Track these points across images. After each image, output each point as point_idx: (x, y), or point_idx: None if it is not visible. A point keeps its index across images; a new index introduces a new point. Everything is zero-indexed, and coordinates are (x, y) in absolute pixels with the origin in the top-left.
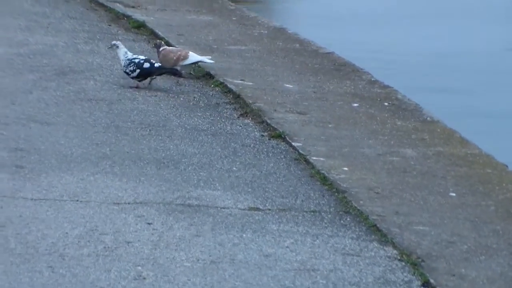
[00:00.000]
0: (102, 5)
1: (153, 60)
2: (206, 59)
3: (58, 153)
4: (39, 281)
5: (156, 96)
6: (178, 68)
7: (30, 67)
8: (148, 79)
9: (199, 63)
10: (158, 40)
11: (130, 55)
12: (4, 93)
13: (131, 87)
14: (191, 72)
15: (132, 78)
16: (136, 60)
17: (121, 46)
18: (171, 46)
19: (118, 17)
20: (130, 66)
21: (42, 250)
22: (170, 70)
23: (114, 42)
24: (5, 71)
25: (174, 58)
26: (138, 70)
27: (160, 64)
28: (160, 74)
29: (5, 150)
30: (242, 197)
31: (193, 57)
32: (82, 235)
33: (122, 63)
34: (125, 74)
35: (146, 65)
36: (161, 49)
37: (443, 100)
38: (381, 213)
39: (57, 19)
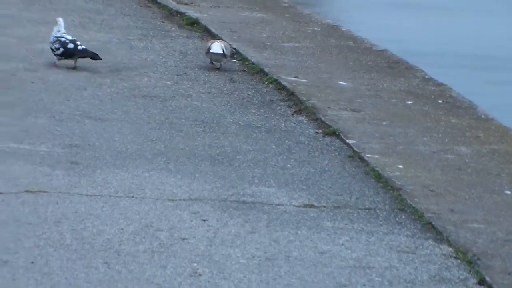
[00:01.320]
0: (155, 2)
1: (79, 42)
2: (216, 49)
3: (113, 149)
4: (95, 277)
5: (210, 93)
6: (207, 56)
7: (84, 64)
8: (73, 60)
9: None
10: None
11: (59, 33)
12: (59, 89)
13: (54, 64)
14: (245, 69)
15: (56, 56)
16: (62, 39)
17: (59, 23)
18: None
19: (171, 14)
20: (56, 44)
21: (97, 246)
22: (91, 54)
23: (57, 18)
24: (60, 68)
25: (206, 47)
26: (62, 49)
27: (84, 47)
28: (82, 57)
29: (60, 146)
30: (296, 194)
31: (210, 47)
32: (137, 231)
33: (50, 39)
34: (51, 51)
35: (70, 45)
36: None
37: (500, 94)
38: (436, 210)
39: (110, 16)
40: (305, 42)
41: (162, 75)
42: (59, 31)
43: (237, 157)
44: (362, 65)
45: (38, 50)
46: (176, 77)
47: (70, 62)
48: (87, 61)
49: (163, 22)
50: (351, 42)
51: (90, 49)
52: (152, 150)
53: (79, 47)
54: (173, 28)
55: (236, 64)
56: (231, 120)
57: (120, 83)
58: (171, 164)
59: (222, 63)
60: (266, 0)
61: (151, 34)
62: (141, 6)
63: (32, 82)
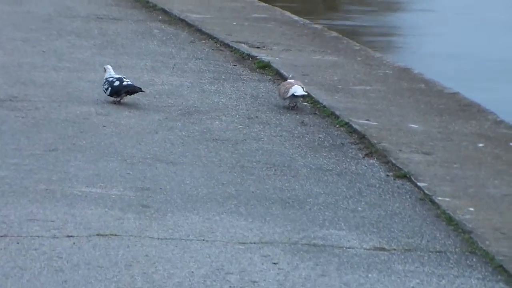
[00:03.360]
0: (227, 45)
1: (126, 79)
2: (301, 91)
3: (184, 193)
4: None
5: (281, 136)
6: (287, 102)
7: (156, 107)
8: (123, 96)
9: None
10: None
11: (109, 75)
12: (131, 133)
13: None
14: (316, 112)
15: (108, 96)
16: (110, 79)
17: (108, 70)
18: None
19: (243, 58)
20: (105, 85)
21: None
22: (133, 88)
23: (105, 66)
24: (132, 112)
25: (282, 91)
26: (109, 88)
27: (129, 83)
28: (127, 92)
29: (131, 189)
30: (367, 237)
31: (292, 90)
32: (208, 275)
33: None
34: (103, 93)
35: (116, 83)
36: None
37: None
38: (507, 253)
39: (182, 59)
40: (376, 85)
41: (234, 119)
42: (110, 74)
43: (308, 200)
44: (433, 108)
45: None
46: (247, 120)
47: (129, 97)
48: (160, 104)
49: (235, 65)
50: (423, 85)
51: (165, 93)
52: (223, 193)
53: (124, 83)
54: (244, 72)
55: (307, 107)
56: (302, 163)
57: (192, 126)
58: (242, 207)
59: (297, 103)
60: (337, 43)
61: (223, 77)
62: (213, 50)
63: (104, 126)
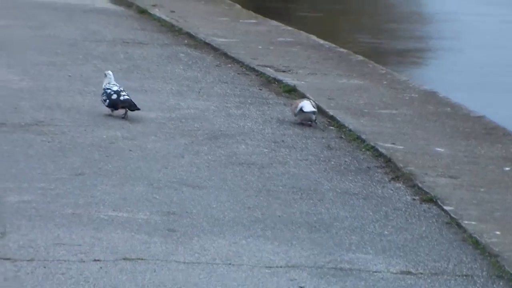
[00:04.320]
0: (253, 69)
1: (125, 92)
2: (308, 107)
3: (210, 217)
4: None
5: (307, 160)
6: (297, 118)
7: (182, 131)
8: (122, 110)
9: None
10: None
11: (108, 85)
12: (157, 157)
13: (105, 115)
14: (342, 136)
15: (106, 107)
16: (108, 90)
17: (108, 75)
18: (321, 109)
19: (269, 81)
20: (103, 96)
21: None
22: (129, 104)
23: (106, 71)
24: (158, 136)
25: (294, 107)
26: (107, 100)
27: (126, 97)
28: (124, 107)
29: (158, 213)
30: (394, 260)
31: (300, 106)
32: None
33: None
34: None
35: (114, 96)
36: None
37: None
38: None
39: (208, 83)
40: (402, 109)
41: (260, 142)
42: (108, 83)
43: (334, 223)
44: (459, 132)
45: (136, 118)
46: (273, 144)
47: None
48: (186, 128)
49: (260, 89)
50: (449, 108)
51: (191, 117)
52: (249, 217)
53: (122, 98)
54: (270, 96)
55: (333, 131)
56: (328, 187)
57: (218, 150)
58: (268, 231)
59: (314, 121)
60: (363, 67)
61: (249, 101)
62: (239, 74)
63: (130, 150)
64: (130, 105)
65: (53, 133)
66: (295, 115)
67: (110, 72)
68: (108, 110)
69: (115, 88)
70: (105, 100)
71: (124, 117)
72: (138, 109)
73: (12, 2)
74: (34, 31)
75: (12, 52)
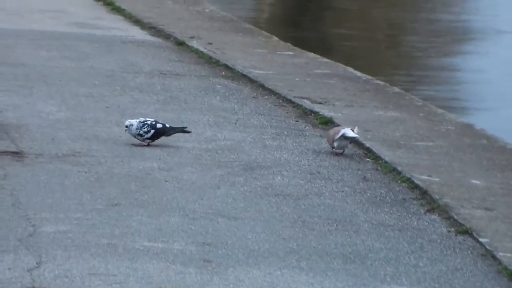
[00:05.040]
0: (290, 101)
1: (161, 121)
2: (352, 133)
3: (245, 248)
4: None
5: (343, 191)
6: (336, 144)
7: (218, 162)
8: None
9: (353, 139)
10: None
11: (137, 122)
12: (193, 188)
13: (134, 145)
14: (378, 168)
15: (146, 139)
16: (148, 122)
17: (133, 122)
18: (357, 141)
19: (305, 113)
20: (144, 128)
21: None
22: (180, 129)
23: (126, 123)
24: (194, 167)
25: (332, 133)
26: (152, 131)
27: (170, 125)
28: (170, 134)
29: (193, 244)
30: None
31: (342, 130)
32: None
33: (135, 127)
34: (139, 137)
35: (159, 125)
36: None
37: None
38: None
39: (245, 115)
40: (438, 141)
41: (296, 174)
42: (139, 121)
43: (369, 255)
44: (495, 164)
45: (173, 149)
46: (309, 175)
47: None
48: (222, 159)
49: (297, 121)
50: (485, 140)
51: (227, 148)
52: (284, 249)
53: (167, 125)
54: (307, 127)
55: (369, 163)
56: (364, 219)
57: (254, 181)
58: (303, 262)
59: (346, 149)
60: (400, 99)
61: (285, 133)
62: (275, 105)
63: (166, 181)
64: (182, 129)
65: (89, 163)
66: (334, 140)
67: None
68: (141, 142)
69: (151, 119)
70: (147, 131)
71: (148, 144)
72: (189, 131)
73: (52, 34)
74: (73, 62)
75: (52, 83)
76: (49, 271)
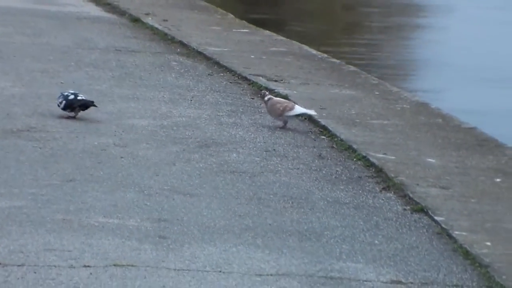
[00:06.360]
0: (245, 78)
1: (81, 94)
2: (311, 112)
3: (201, 224)
4: None
5: (298, 169)
6: (285, 119)
7: (174, 139)
8: (78, 110)
9: (305, 115)
10: (263, 91)
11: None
12: (148, 164)
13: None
14: (334, 145)
15: (62, 110)
16: (65, 93)
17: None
18: (313, 118)
19: (261, 91)
20: (59, 98)
21: None
22: (91, 102)
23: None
24: (149, 143)
25: (281, 108)
26: (64, 102)
27: (83, 97)
28: (82, 106)
29: (148, 220)
30: (384, 270)
31: (299, 109)
32: None
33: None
34: (58, 108)
35: (71, 97)
36: (266, 98)
37: None
38: None
39: (200, 92)
40: (394, 119)
41: (251, 151)
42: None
43: (325, 233)
44: (450, 143)
45: (128, 126)
46: (265, 153)
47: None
48: (178, 136)
49: (252, 98)
50: (440, 119)
51: (183, 125)
52: (240, 225)
53: (78, 97)
54: (262, 105)
55: (325, 140)
56: (319, 196)
57: (209, 158)
58: (258, 239)
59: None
60: (355, 78)
61: (241, 110)
62: (231, 82)
63: (122, 157)
64: (87, 102)
65: (44, 139)
66: (286, 116)
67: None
68: (65, 113)
69: (72, 91)
70: (61, 103)
71: (74, 117)
72: (95, 105)
73: (8, 9)
74: (29, 38)
75: (6, 59)
76: (3, 247)
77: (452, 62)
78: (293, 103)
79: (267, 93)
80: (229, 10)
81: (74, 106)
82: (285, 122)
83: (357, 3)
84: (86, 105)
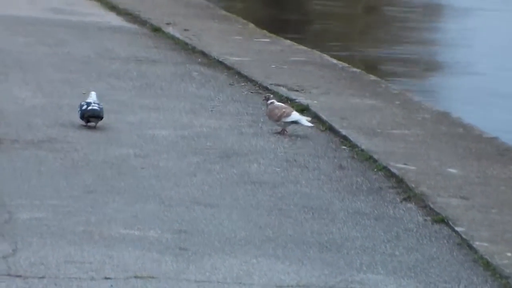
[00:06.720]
0: (266, 88)
1: (95, 105)
2: (305, 120)
3: (222, 236)
4: None
5: (319, 179)
6: (282, 124)
7: (194, 150)
8: (93, 120)
9: (298, 123)
10: (267, 94)
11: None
12: (169, 175)
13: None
14: (354, 156)
15: (80, 119)
16: (82, 103)
17: (91, 95)
18: (334, 128)
19: (281, 100)
20: (78, 109)
21: None
22: (93, 112)
23: (90, 92)
24: (170, 154)
25: (278, 114)
26: (80, 112)
27: (93, 107)
28: (90, 116)
29: (169, 232)
30: (405, 281)
31: (295, 115)
32: None
33: None
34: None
35: (84, 107)
36: (269, 102)
37: None
38: None
39: (221, 102)
40: (414, 129)
41: (272, 162)
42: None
43: (346, 244)
44: (471, 153)
45: (149, 136)
46: (285, 163)
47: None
48: (198, 146)
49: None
50: (461, 129)
51: (204, 135)
52: (260, 237)
53: (90, 108)
54: (264, 108)
55: (345, 150)
56: (340, 207)
57: (230, 169)
58: (279, 251)
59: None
60: (376, 87)
61: (261, 120)
62: (251, 92)
63: (142, 168)
64: (94, 113)
65: (65, 150)
66: (285, 122)
67: (93, 92)
68: (82, 122)
69: (90, 100)
70: (78, 113)
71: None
72: (101, 117)
73: (29, 19)
74: (50, 48)
75: (28, 69)
76: (24, 259)
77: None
78: (291, 109)
79: (271, 96)
80: (250, 19)
81: (85, 116)
82: (283, 128)
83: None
84: (94, 115)
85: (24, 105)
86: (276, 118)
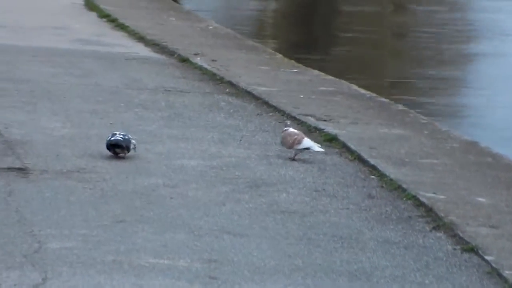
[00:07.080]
0: (294, 118)
1: (120, 135)
2: (317, 147)
3: (251, 265)
4: None
5: (348, 209)
6: (294, 151)
7: (223, 179)
8: (121, 152)
9: (311, 150)
10: (286, 121)
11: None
12: (198, 205)
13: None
14: (383, 185)
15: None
16: (109, 134)
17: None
18: (362, 158)
19: (310, 130)
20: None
21: None
22: (115, 142)
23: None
24: (199, 183)
25: (290, 141)
26: (106, 142)
27: (113, 138)
28: (112, 146)
29: (199, 261)
30: None
31: (307, 142)
32: None
33: None
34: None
35: (109, 137)
36: (284, 129)
37: None
38: None
39: (249, 132)
40: (443, 159)
41: (301, 191)
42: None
43: (375, 272)
44: (501, 182)
45: (178, 166)
46: (314, 193)
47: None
48: (227, 176)
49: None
50: (490, 158)
51: (232, 165)
52: (290, 266)
53: (113, 138)
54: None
55: (374, 180)
56: (369, 236)
57: (259, 198)
58: (308, 280)
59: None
60: (404, 117)
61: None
62: (280, 122)
63: (171, 198)
64: (117, 143)
65: (94, 180)
66: (295, 149)
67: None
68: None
69: (117, 132)
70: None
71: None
72: (123, 147)
73: (57, 50)
74: (78, 79)
75: (56, 100)
76: None
77: None
78: (302, 136)
79: (288, 123)
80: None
81: (108, 146)
82: (295, 155)
83: None
84: (116, 145)
85: (52, 135)
86: (289, 145)
